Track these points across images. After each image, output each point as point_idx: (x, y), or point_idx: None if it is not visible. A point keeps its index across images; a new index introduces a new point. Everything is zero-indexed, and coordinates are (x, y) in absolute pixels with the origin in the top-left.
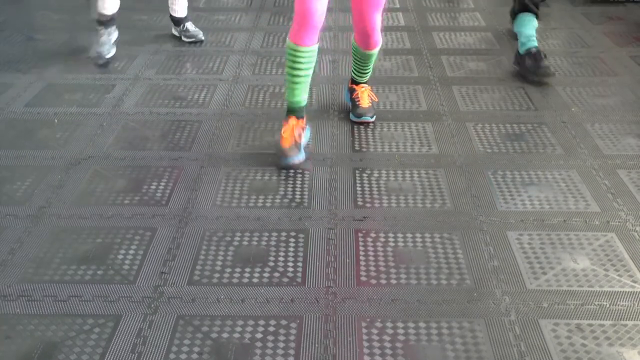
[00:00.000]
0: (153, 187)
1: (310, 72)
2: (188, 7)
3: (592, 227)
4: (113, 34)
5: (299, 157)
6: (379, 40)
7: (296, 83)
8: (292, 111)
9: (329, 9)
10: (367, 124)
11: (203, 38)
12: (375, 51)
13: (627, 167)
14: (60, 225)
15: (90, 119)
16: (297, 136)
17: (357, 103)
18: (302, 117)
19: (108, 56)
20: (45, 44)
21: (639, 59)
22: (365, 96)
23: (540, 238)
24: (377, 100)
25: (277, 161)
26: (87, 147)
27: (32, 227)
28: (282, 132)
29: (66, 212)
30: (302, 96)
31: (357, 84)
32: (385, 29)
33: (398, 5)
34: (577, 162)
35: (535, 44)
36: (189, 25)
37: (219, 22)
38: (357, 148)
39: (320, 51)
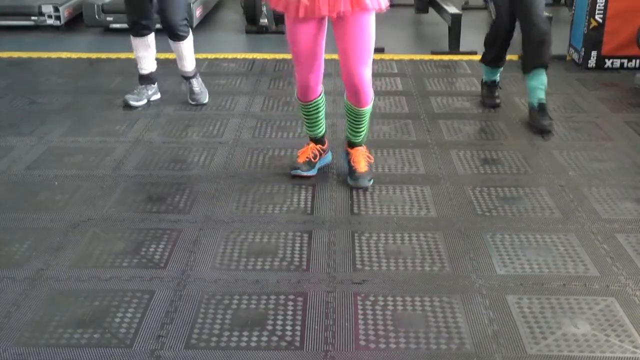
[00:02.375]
0: (152, 249)
1: (321, 113)
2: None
3: (592, 292)
4: (148, 90)
5: (308, 172)
6: (370, 97)
7: (309, 124)
8: (312, 139)
9: (328, 74)
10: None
11: (206, 102)
12: (367, 109)
13: (625, 231)
14: (58, 288)
15: (91, 182)
16: (312, 157)
17: (354, 168)
18: (321, 143)
19: (132, 103)
20: (48, 107)
21: (633, 124)
22: (362, 160)
23: (540, 302)
24: (372, 160)
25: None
26: (87, 210)
27: (30, 290)
28: (299, 152)
29: (64, 275)
30: (317, 130)
31: (353, 146)
32: (384, 93)
33: (396, 71)
34: (576, 226)
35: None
36: (195, 84)
37: (220, 86)
38: (355, 211)
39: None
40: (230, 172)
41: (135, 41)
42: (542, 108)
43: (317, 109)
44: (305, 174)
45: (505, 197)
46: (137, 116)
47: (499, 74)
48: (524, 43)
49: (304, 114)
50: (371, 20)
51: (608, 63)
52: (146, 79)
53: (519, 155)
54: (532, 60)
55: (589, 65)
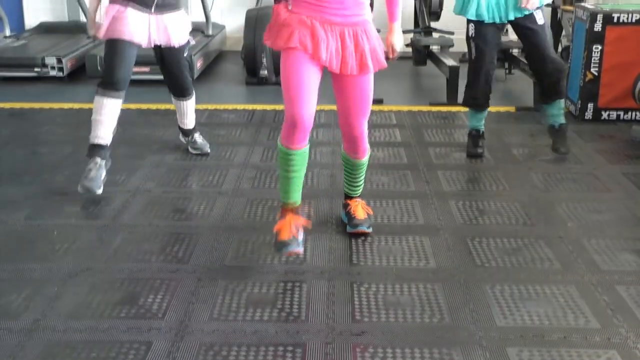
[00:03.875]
0: (150, 299)
1: (303, 172)
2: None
3: (593, 344)
4: (104, 167)
5: (298, 247)
6: (367, 148)
7: (291, 184)
8: (289, 211)
9: (328, 125)
10: (364, 235)
11: (209, 151)
12: (364, 160)
13: (625, 283)
14: (54, 339)
15: (90, 231)
16: (295, 231)
17: (353, 215)
18: (298, 214)
19: (99, 191)
20: (49, 157)
21: (631, 175)
22: (360, 209)
23: (541, 355)
24: (372, 213)
25: (275, 250)
26: (86, 260)
27: (26, 341)
28: (278, 228)
29: (61, 326)
30: (297, 196)
31: (351, 198)
32: (383, 144)
33: (395, 122)
34: (575, 277)
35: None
36: (197, 137)
37: (219, 136)
38: (354, 262)
39: (319, 165)
40: (229, 223)
41: (108, 101)
42: (562, 128)
43: (302, 161)
44: (297, 249)
45: (504, 248)
46: (137, 166)
47: (483, 122)
48: (540, 78)
49: (285, 168)
50: (371, 77)
51: (604, 115)
52: (103, 149)
53: (518, 206)
54: (552, 94)
55: (585, 117)
